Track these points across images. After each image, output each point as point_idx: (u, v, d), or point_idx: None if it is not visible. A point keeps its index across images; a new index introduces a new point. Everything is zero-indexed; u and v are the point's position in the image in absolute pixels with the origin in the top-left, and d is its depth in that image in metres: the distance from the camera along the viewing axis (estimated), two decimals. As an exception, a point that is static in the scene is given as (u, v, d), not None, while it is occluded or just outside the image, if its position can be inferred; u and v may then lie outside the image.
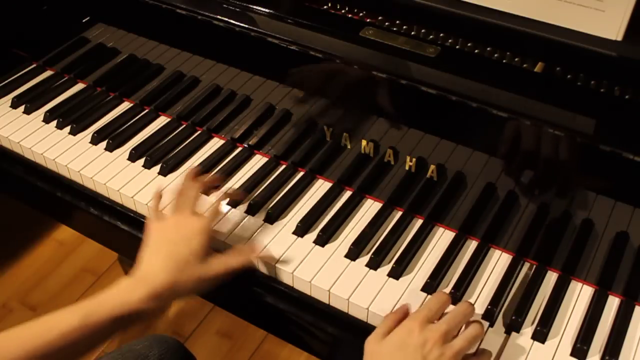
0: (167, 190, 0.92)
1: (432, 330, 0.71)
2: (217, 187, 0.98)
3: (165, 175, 1.01)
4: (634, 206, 0.76)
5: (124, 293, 0.76)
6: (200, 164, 1.02)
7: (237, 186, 0.98)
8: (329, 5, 0.93)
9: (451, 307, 0.77)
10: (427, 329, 0.71)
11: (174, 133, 1.09)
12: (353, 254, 0.87)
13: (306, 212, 0.93)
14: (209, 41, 1.00)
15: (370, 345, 0.72)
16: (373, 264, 0.86)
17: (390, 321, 0.74)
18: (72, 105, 1.15)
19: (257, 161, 1.04)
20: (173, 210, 0.86)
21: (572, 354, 0.77)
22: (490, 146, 0.81)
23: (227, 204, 0.96)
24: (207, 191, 0.95)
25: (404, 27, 0.88)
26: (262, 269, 0.88)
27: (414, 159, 0.89)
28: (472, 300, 0.82)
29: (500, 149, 0.80)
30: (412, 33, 0.87)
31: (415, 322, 0.72)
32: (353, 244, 0.88)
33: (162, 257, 0.78)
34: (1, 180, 1.15)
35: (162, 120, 1.12)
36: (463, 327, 0.75)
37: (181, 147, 1.06)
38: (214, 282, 0.81)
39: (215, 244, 0.91)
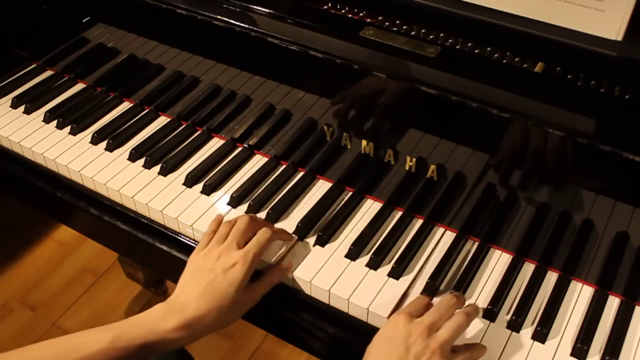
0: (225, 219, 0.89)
1: (417, 322, 0.72)
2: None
3: (165, 175, 1.01)
4: (634, 206, 0.76)
5: (156, 320, 0.75)
6: (200, 164, 1.02)
7: (237, 186, 0.98)
8: (329, 5, 0.93)
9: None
10: (412, 322, 0.72)
11: (174, 133, 1.08)
12: (353, 254, 0.87)
13: (306, 212, 0.93)
14: (209, 41, 1.00)
15: (368, 345, 0.73)
16: (373, 264, 0.86)
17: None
18: (72, 105, 1.15)
19: (257, 161, 1.04)
20: (219, 239, 0.84)
21: (572, 354, 0.77)
22: (490, 146, 0.81)
23: (227, 203, 0.96)
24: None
25: (404, 27, 0.88)
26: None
27: (414, 159, 0.89)
28: (472, 300, 0.82)
29: (500, 149, 0.80)
30: (412, 33, 0.87)
31: (400, 315, 0.73)
32: (353, 244, 0.88)
33: (200, 288, 0.77)
34: (1, 180, 1.15)
35: (162, 120, 1.12)
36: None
37: (181, 147, 1.06)
38: (247, 309, 0.81)
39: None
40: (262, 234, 0.84)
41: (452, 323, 0.73)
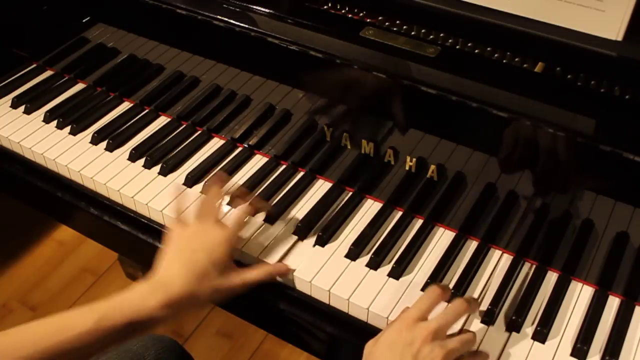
0: (189, 195, 0.91)
1: (421, 328, 0.70)
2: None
3: (165, 175, 1.01)
4: (634, 206, 0.76)
5: (140, 299, 0.75)
6: (201, 164, 1.02)
7: (237, 187, 0.98)
8: (329, 5, 0.93)
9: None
10: (416, 327, 0.71)
11: (174, 133, 1.08)
12: (353, 254, 0.87)
13: (306, 212, 0.93)
14: (209, 41, 1.00)
15: (368, 347, 0.72)
16: (373, 264, 0.86)
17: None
18: (72, 105, 1.15)
19: (257, 161, 1.04)
20: (196, 217, 0.84)
21: (572, 354, 0.77)
22: (490, 146, 0.81)
23: (228, 204, 0.96)
24: (233, 201, 0.95)
25: (404, 27, 0.88)
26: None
27: (414, 159, 0.89)
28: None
29: (500, 149, 0.80)
30: (412, 33, 0.87)
31: (404, 321, 0.72)
32: (353, 244, 0.88)
33: (182, 265, 0.78)
34: (1, 180, 1.15)
35: (162, 120, 1.12)
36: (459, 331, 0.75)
37: (181, 147, 1.06)
38: (230, 294, 0.81)
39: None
40: (242, 212, 0.86)
41: (465, 336, 0.72)
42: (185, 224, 0.84)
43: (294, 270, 0.85)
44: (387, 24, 0.89)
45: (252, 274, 0.83)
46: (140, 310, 0.75)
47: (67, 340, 0.71)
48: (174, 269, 0.78)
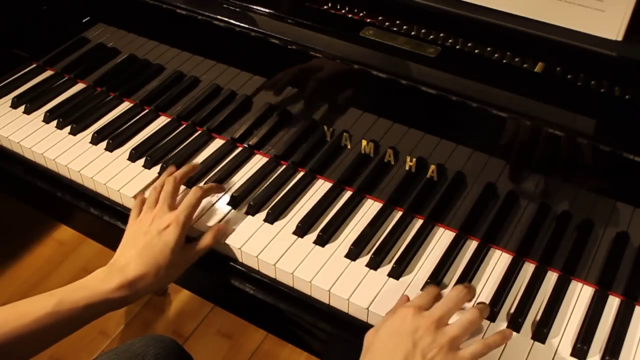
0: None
1: (425, 316, 0.71)
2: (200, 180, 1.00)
3: (165, 175, 1.01)
4: (634, 206, 0.76)
5: (98, 282, 0.79)
6: (201, 164, 1.02)
7: (237, 186, 0.98)
8: (329, 5, 0.93)
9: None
10: (420, 315, 0.71)
11: (174, 133, 1.09)
12: (353, 254, 0.87)
13: (306, 212, 0.93)
14: (209, 41, 1.00)
15: (368, 337, 0.73)
16: (373, 264, 0.86)
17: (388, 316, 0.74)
18: (72, 105, 1.15)
19: (257, 161, 1.04)
20: (150, 205, 0.88)
21: (572, 354, 0.77)
22: (490, 146, 0.81)
23: (227, 203, 0.96)
24: (187, 183, 0.98)
25: (404, 27, 0.88)
26: (263, 269, 0.88)
27: (414, 159, 0.89)
28: (472, 301, 0.82)
29: (500, 149, 0.80)
30: (412, 33, 0.87)
31: (408, 309, 0.72)
32: (353, 244, 0.88)
33: (137, 250, 0.82)
34: (1, 180, 1.15)
35: (162, 120, 1.12)
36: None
37: (181, 147, 1.06)
38: (187, 266, 0.86)
39: (215, 245, 0.90)
40: (192, 194, 0.89)
41: (464, 318, 0.72)
42: (143, 212, 0.88)
43: (230, 232, 0.90)
44: (387, 24, 0.89)
45: (201, 247, 0.87)
46: (98, 293, 0.78)
47: (27, 324, 0.74)
48: (130, 254, 0.82)
